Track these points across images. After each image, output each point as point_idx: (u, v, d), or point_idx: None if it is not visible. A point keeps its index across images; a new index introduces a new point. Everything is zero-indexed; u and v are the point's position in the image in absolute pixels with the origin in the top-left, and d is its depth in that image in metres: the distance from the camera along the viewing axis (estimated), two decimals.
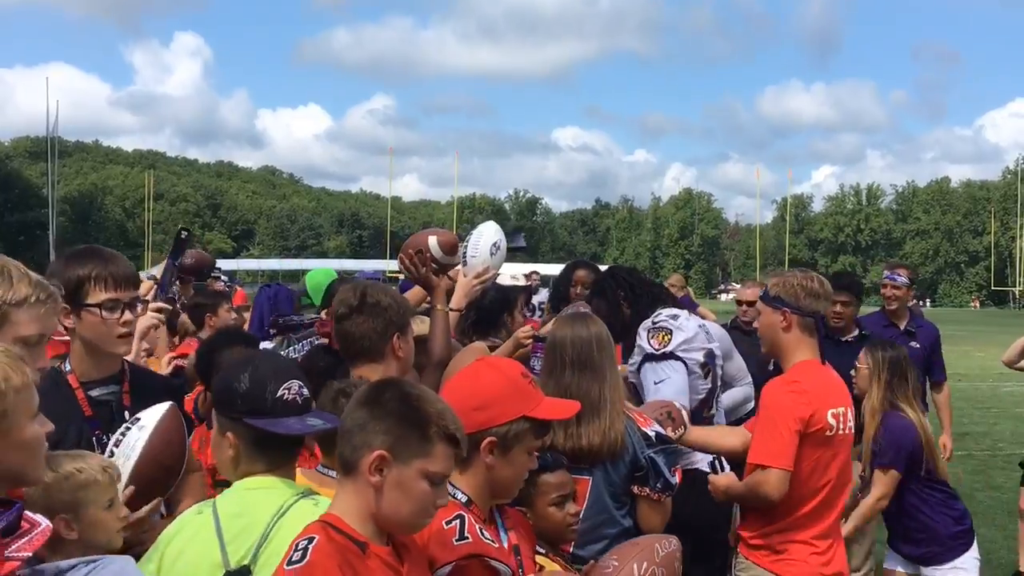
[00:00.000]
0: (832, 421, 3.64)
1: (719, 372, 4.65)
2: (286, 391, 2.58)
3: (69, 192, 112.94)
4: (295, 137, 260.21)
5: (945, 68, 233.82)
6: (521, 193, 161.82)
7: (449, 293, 4.43)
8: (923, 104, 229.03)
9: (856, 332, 6.32)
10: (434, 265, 4.32)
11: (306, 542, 2.11)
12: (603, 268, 5.99)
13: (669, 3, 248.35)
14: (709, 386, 4.52)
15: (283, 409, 2.57)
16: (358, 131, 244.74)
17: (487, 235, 4.81)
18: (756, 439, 3.65)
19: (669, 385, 4.34)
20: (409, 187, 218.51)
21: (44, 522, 1.91)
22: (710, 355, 4.52)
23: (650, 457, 3.40)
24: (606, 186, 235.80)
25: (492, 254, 4.76)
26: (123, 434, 2.87)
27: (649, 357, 4.49)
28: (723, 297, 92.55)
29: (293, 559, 2.08)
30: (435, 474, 2.15)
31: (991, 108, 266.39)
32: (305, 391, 2.66)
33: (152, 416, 2.90)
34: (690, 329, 4.54)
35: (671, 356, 4.48)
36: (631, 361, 4.62)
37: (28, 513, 1.89)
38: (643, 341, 4.53)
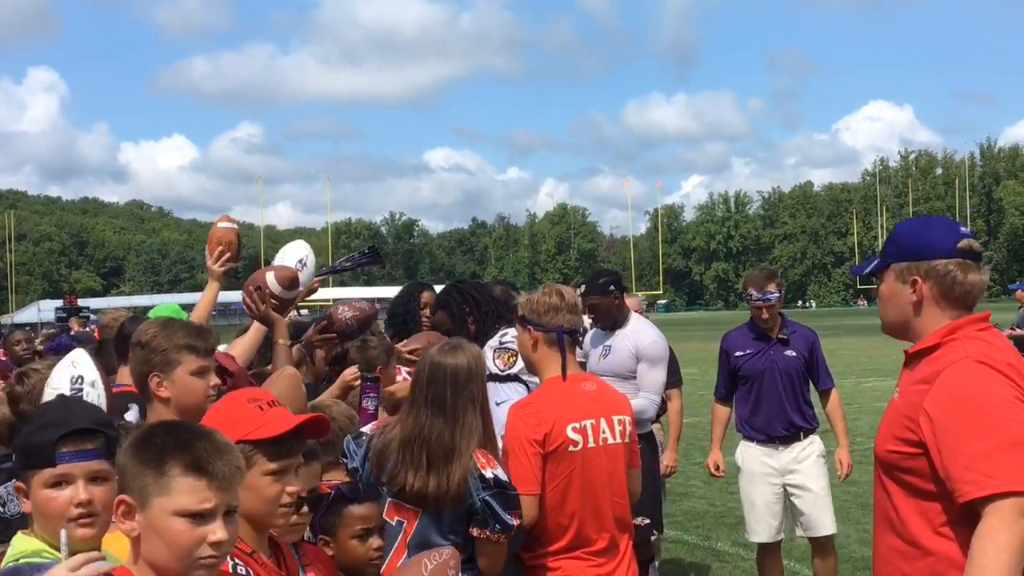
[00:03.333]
0: (575, 436, 3.56)
1: None
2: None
3: None
4: (160, 169, 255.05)
5: (799, 75, 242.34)
6: (397, 216, 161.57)
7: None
8: (781, 111, 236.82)
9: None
10: (274, 301, 4.30)
11: None
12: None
13: (529, 21, 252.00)
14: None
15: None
16: (225, 160, 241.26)
17: (290, 253, 4.84)
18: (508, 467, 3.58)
19: (507, 407, 4.43)
20: (282, 215, 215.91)
21: None
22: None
23: (485, 500, 3.34)
24: (481, 205, 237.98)
25: (299, 270, 4.78)
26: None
27: (493, 377, 4.51)
28: None
29: None
30: (187, 510, 1.94)
31: (846, 113, 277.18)
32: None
33: None
34: None
35: (514, 378, 4.55)
36: None
37: None
38: (488, 361, 4.54)
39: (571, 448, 3.55)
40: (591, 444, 3.60)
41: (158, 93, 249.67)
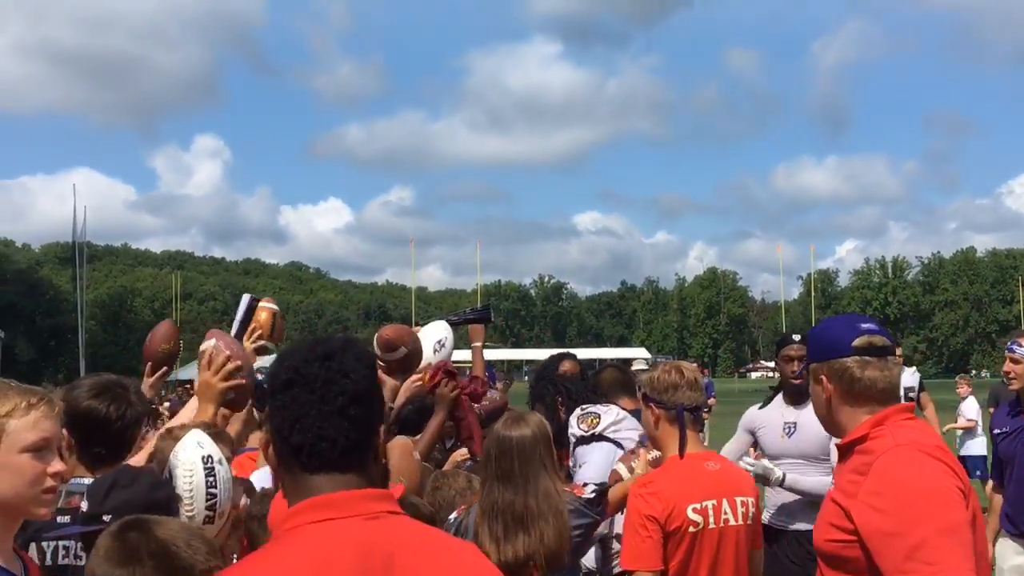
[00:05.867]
0: (695, 517, 3.54)
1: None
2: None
3: (99, 296, 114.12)
4: (317, 231, 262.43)
5: (958, 137, 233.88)
6: (546, 279, 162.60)
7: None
8: (938, 174, 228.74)
9: None
10: (380, 363, 4.37)
11: None
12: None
13: (675, 84, 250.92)
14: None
15: None
16: (378, 223, 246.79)
17: (429, 335, 4.96)
18: (623, 545, 3.65)
19: (590, 466, 4.48)
20: (433, 276, 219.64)
21: None
22: (644, 436, 4.58)
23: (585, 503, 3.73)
24: (629, 268, 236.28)
25: (436, 351, 4.90)
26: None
27: (580, 441, 4.61)
28: (753, 375, 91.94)
29: None
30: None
31: (1009, 176, 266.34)
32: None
33: None
34: (619, 413, 4.67)
35: (599, 438, 4.58)
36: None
37: None
38: (573, 428, 4.65)
39: (691, 529, 3.55)
40: (711, 525, 3.57)
41: (315, 158, 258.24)
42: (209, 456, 2.96)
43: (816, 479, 5.13)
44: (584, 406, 4.79)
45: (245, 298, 4.56)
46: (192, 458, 2.94)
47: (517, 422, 3.71)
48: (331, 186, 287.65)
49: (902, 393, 10.31)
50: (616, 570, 3.87)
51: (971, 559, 2.34)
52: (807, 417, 4.89)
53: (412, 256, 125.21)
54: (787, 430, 5.33)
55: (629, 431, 4.60)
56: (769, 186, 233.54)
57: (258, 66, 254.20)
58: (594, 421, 4.60)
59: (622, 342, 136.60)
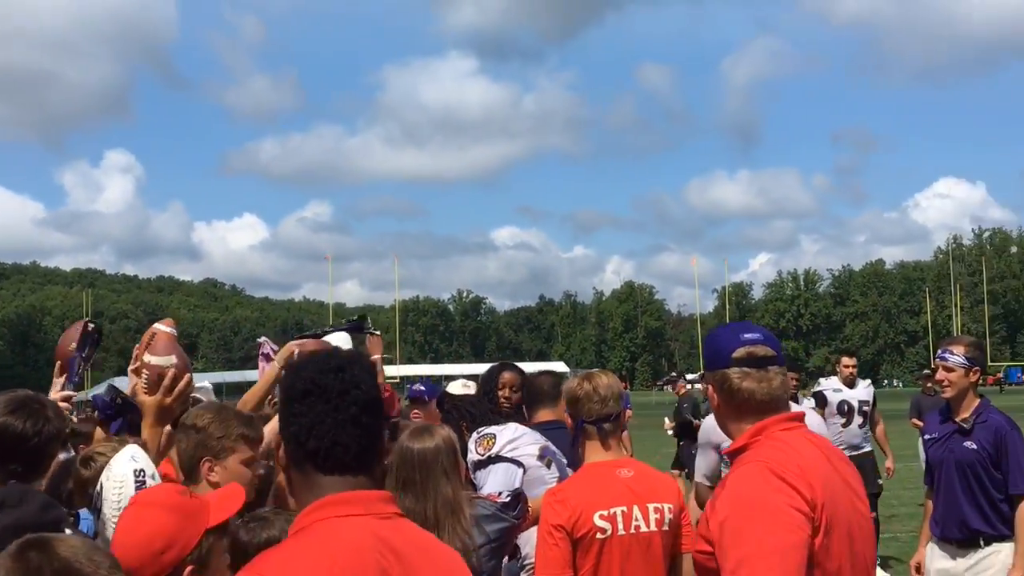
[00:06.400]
0: (603, 523, 3.58)
1: (564, 462, 4.71)
2: None
3: (6, 315, 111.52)
4: (232, 248, 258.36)
5: (866, 152, 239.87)
6: (464, 293, 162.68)
7: None
8: (848, 189, 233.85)
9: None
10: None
11: None
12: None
13: (591, 101, 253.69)
14: (557, 475, 4.61)
15: None
16: (294, 239, 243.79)
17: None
18: (535, 553, 3.71)
19: (489, 488, 4.45)
20: (351, 292, 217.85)
21: None
22: (546, 448, 4.65)
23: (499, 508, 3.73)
24: (547, 283, 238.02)
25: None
26: None
27: (477, 465, 4.61)
28: (669, 388, 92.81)
29: None
30: None
31: (916, 190, 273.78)
32: None
33: None
34: (517, 430, 4.69)
35: (496, 459, 4.59)
36: None
37: None
38: (471, 452, 4.66)
39: (599, 535, 3.58)
40: (621, 532, 3.60)
41: (229, 174, 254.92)
42: (142, 471, 2.94)
43: None
44: (481, 428, 4.80)
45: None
46: (124, 471, 2.90)
47: (421, 434, 3.74)
48: (246, 202, 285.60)
49: (856, 406, 10.56)
50: None
51: None
52: None
53: (329, 272, 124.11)
54: None
55: (528, 447, 4.61)
56: (683, 200, 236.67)
57: (170, 81, 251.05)
58: (490, 443, 4.61)
59: (541, 356, 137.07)
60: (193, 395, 4.43)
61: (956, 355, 5.53)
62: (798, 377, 9.96)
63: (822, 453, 2.65)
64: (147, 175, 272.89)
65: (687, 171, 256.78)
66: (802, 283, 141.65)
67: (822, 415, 10.18)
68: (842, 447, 10.41)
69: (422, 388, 7.72)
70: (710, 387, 2.82)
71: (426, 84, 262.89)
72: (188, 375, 3.70)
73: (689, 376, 26.38)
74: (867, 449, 10.71)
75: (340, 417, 1.97)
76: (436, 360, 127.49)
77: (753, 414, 2.70)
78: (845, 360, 11.13)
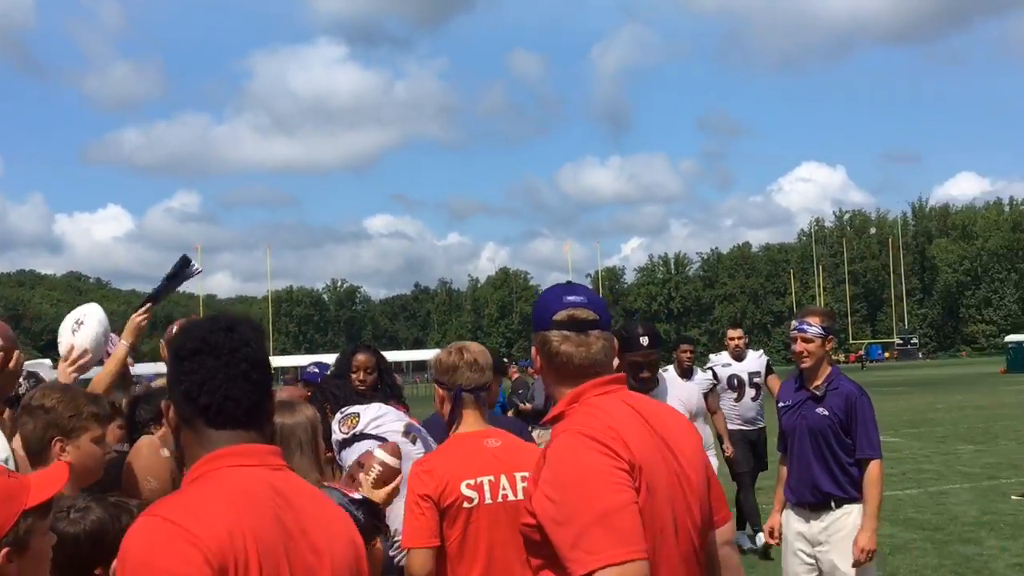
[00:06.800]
0: (470, 493, 3.61)
1: (431, 439, 4.68)
2: None
3: None
4: (96, 240, 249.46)
5: (731, 138, 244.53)
6: (339, 283, 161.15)
7: None
8: (715, 174, 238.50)
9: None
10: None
11: None
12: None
13: (462, 88, 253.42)
14: (423, 451, 4.62)
15: None
16: (161, 230, 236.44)
17: (67, 321, 4.82)
18: (403, 524, 3.72)
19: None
20: (222, 284, 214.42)
21: None
22: (411, 425, 4.67)
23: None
24: (422, 271, 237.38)
25: (74, 332, 4.73)
26: None
27: (342, 444, 4.55)
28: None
29: None
30: None
31: (779, 175, 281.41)
32: None
33: None
34: (381, 408, 4.69)
35: (361, 437, 4.55)
36: None
37: None
38: (335, 432, 4.63)
39: (466, 505, 3.61)
40: (488, 501, 3.63)
41: (91, 163, 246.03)
42: None
43: None
44: (344, 408, 4.77)
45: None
46: None
47: (282, 409, 3.68)
48: (109, 192, 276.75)
49: (746, 379, 10.65)
50: (399, 556, 3.88)
51: (631, 541, 2.31)
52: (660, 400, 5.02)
53: (199, 262, 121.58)
54: None
55: (393, 424, 4.61)
56: (556, 186, 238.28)
57: (27, 68, 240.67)
58: (353, 421, 4.59)
59: (417, 344, 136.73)
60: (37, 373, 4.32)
61: (813, 326, 5.71)
62: (691, 350, 10.04)
63: (639, 415, 2.58)
64: (5, 166, 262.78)
65: (559, 157, 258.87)
66: (672, 267, 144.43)
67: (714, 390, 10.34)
68: (737, 422, 10.65)
69: (316, 371, 7.67)
70: (534, 349, 2.77)
71: (295, 71, 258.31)
72: (17, 352, 3.63)
73: None
74: (762, 424, 10.81)
75: (231, 372, 2.03)
76: (311, 350, 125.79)
77: (572, 378, 2.64)
78: (731, 332, 11.16)
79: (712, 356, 11.35)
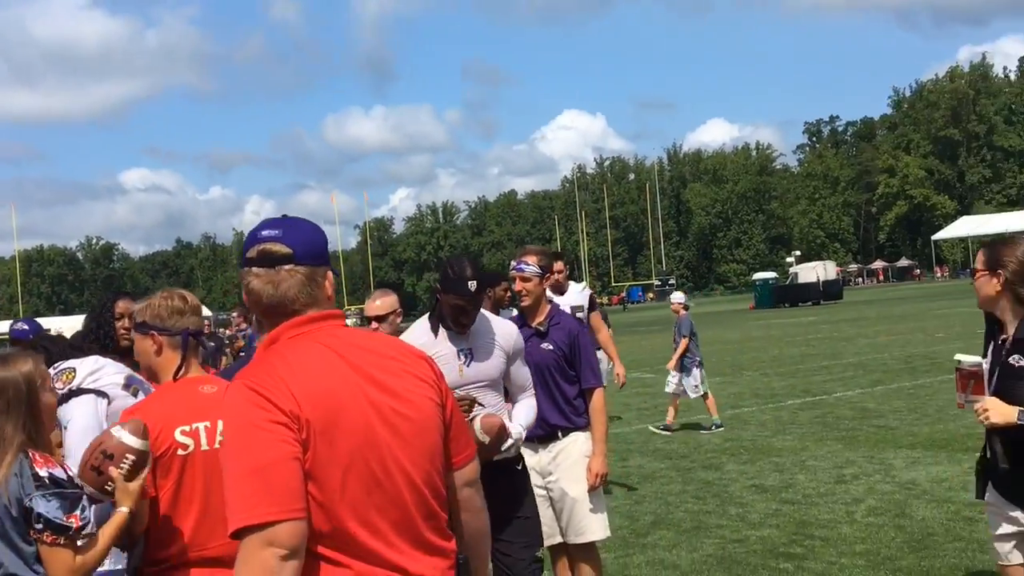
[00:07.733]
0: (185, 439, 3.52)
1: (152, 390, 4.52)
2: None
3: None
4: None
5: (495, 87, 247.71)
6: (94, 240, 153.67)
7: None
8: (480, 123, 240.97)
9: None
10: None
11: None
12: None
13: (218, 36, 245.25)
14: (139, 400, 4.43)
15: None
16: None
17: None
18: None
19: (75, 423, 4.28)
20: None
21: None
22: (131, 377, 4.52)
23: (33, 499, 3.25)
24: (184, 226, 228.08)
25: None
26: None
27: (60, 400, 4.22)
28: None
29: None
30: None
31: (542, 123, 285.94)
32: None
33: None
34: (98, 361, 4.53)
35: (78, 392, 4.40)
36: None
37: None
38: None
39: (180, 452, 3.51)
40: (204, 447, 3.54)
41: None
42: None
43: (524, 405, 5.19)
44: (58, 363, 4.52)
45: None
46: None
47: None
48: None
49: (569, 312, 10.40)
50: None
51: (281, 500, 2.22)
52: (478, 340, 4.96)
53: None
54: (463, 358, 5.01)
55: (112, 376, 4.44)
56: (321, 137, 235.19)
57: None
58: (69, 376, 4.40)
59: None
60: None
61: (531, 265, 5.85)
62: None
63: (336, 355, 2.45)
64: None
65: (323, 108, 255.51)
66: (441, 216, 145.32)
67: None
68: None
69: (25, 327, 7.21)
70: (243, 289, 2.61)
71: (35, 18, 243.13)
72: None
73: None
74: None
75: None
76: (67, 311, 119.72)
77: (271, 318, 2.52)
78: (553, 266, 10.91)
79: None
